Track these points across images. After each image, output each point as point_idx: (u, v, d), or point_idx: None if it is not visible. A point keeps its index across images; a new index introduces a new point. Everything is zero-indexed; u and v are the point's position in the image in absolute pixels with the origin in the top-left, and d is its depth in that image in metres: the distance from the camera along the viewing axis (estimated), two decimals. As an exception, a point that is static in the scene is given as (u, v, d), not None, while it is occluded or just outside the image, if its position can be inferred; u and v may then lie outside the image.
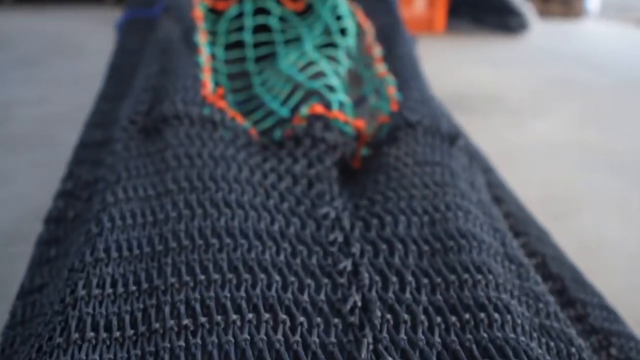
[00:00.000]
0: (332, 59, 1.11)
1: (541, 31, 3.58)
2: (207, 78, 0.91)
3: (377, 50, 1.11)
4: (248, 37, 1.29)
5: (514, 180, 1.15)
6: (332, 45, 1.17)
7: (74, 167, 0.89)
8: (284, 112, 0.94)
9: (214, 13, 1.38)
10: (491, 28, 3.59)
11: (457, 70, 2.46)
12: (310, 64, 1.02)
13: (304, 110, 0.83)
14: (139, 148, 0.73)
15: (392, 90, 0.93)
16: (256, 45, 1.30)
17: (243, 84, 1.21)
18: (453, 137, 0.82)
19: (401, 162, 0.74)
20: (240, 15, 1.36)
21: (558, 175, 1.40)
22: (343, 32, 1.22)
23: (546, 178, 1.39)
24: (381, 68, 1.03)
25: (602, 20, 4.89)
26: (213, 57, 1.21)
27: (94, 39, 2.57)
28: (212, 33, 1.32)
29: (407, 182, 0.68)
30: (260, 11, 1.37)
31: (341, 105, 0.89)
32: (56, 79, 1.94)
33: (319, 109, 0.82)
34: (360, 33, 1.24)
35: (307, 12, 1.41)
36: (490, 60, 2.71)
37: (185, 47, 1.04)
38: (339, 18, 1.25)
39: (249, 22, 1.32)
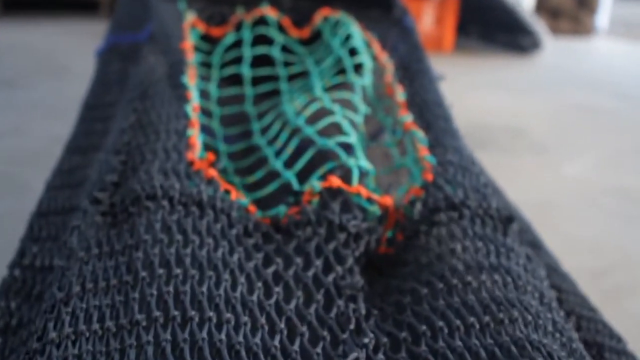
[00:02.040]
0: (346, 103, 0.94)
1: (553, 50, 3.41)
2: (195, 134, 0.74)
3: (400, 93, 0.94)
4: (246, 70, 1.12)
5: (554, 242, 0.98)
6: (346, 85, 0.99)
7: (26, 246, 0.71)
8: (290, 175, 0.77)
9: (208, 41, 1.20)
10: (501, 47, 3.43)
11: (471, 94, 2.29)
12: (322, 112, 0.85)
13: (316, 183, 0.65)
14: (100, 243, 0.55)
15: (423, 151, 0.76)
16: (256, 80, 1.13)
17: (240, 129, 1.03)
18: (507, 220, 0.64)
19: (446, 266, 0.56)
20: (237, 43, 1.19)
21: (602, 234, 1.21)
22: (357, 68, 1.05)
23: (590, 238, 1.20)
24: (407, 117, 0.85)
25: (610, 37, 4.74)
26: (205, 94, 1.04)
27: (84, 55, 2.39)
28: (205, 65, 1.14)
29: (455, 302, 0.51)
30: (261, 40, 1.19)
31: (362, 173, 0.71)
32: (35, 104, 1.76)
33: (335, 181, 0.65)
34: (377, 69, 1.06)
35: (314, 40, 1.24)
36: (505, 84, 2.54)
37: (170, 89, 0.87)
38: (352, 52, 1.07)
39: (247, 52, 1.15)
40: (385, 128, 0.98)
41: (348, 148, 0.77)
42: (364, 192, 0.65)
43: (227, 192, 0.66)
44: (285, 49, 1.20)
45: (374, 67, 1.06)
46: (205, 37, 1.21)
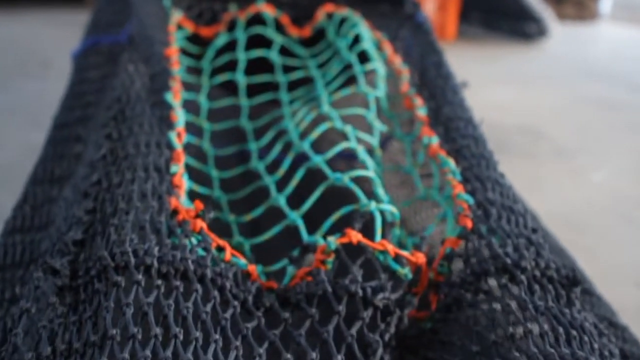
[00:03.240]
0: (359, 121, 0.80)
1: (558, 37, 3.27)
2: (180, 171, 0.60)
3: (420, 107, 0.80)
4: (241, 77, 0.98)
5: (591, 270, 0.86)
6: (357, 97, 0.86)
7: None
8: (296, 217, 0.63)
9: (197, 42, 1.06)
10: (505, 34, 3.28)
11: (478, 88, 2.14)
12: (332, 136, 0.72)
13: (332, 240, 0.52)
14: (54, 339, 0.42)
15: (457, 187, 0.63)
16: (252, 88, 0.99)
17: (235, 148, 0.90)
18: (571, 283, 0.52)
19: (502, 349, 0.44)
20: (230, 45, 1.05)
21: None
22: (367, 74, 0.91)
23: (632, 265, 1.07)
24: (432, 140, 0.72)
25: (614, 22, 4.61)
26: (194, 107, 0.90)
27: (67, 49, 2.24)
28: (194, 71, 1.01)
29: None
30: (257, 40, 1.05)
31: (384, 220, 0.58)
32: (11, 108, 1.62)
33: (355, 236, 0.52)
34: (391, 76, 0.93)
35: (316, 40, 1.10)
36: (513, 75, 2.41)
37: (152, 108, 0.73)
38: (362, 56, 0.94)
39: (242, 55, 1.01)
40: (393, 134, 0.85)
41: (365, 183, 0.64)
42: (390, 248, 0.52)
43: (221, 249, 0.53)
44: (284, 50, 1.06)
45: (387, 73, 0.92)
46: (193, 38, 1.07)
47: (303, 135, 0.75)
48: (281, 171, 0.72)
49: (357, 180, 0.65)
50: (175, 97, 0.74)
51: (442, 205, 0.66)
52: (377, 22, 1.13)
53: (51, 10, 2.93)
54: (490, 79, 2.34)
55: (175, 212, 0.54)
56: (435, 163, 0.70)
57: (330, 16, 1.09)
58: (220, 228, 0.71)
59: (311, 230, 0.63)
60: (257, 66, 1.03)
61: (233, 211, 0.73)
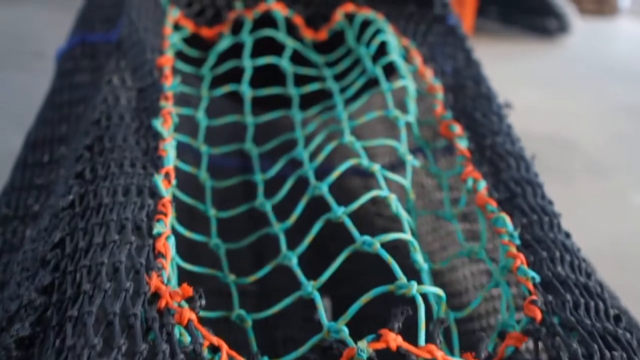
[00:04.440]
0: (389, 156, 0.67)
1: (579, 33, 3.11)
2: (165, 232, 0.47)
3: (460, 138, 0.67)
4: (247, 89, 0.84)
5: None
6: (386, 124, 0.73)
7: None
8: (311, 289, 0.50)
9: (197, 44, 0.93)
10: (524, 30, 3.12)
11: (500, 89, 2.01)
12: (358, 182, 0.59)
13: (363, 345, 0.39)
14: None
15: (518, 258, 0.49)
16: (258, 101, 0.86)
17: (237, 179, 0.77)
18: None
19: None
20: (236, 48, 0.91)
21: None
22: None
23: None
24: (479, 184, 0.59)
25: (634, 17, 4.45)
26: (191, 127, 0.77)
27: (62, 37, 2.10)
28: (193, 78, 0.87)
29: None
30: (266, 45, 0.92)
31: (428, 307, 0.45)
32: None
33: (392, 340, 0.39)
34: (421, 95, 0.79)
35: (333, 45, 0.96)
36: (536, 75, 2.26)
37: (136, 135, 0.60)
38: (390, 70, 0.80)
39: (248, 62, 0.88)
40: (428, 169, 0.72)
41: (400, 252, 0.50)
42: (440, 356, 0.39)
43: (216, 349, 0.40)
44: (296, 56, 0.92)
45: (417, 90, 0.79)
46: (193, 40, 0.93)
47: (321, 175, 0.61)
48: (293, 217, 0.59)
49: (385, 218, 0.52)
50: (166, 123, 0.60)
51: (492, 272, 0.53)
52: (403, 24, 0.99)
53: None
54: (511, 79, 2.20)
55: (155, 296, 0.41)
56: (483, 215, 0.57)
57: (350, 17, 0.96)
58: (216, 287, 0.58)
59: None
60: (265, 75, 0.90)
61: (233, 265, 0.60)
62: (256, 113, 0.83)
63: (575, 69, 2.45)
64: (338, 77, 0.89)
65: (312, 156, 0.66)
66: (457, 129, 0.69)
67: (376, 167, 0.59)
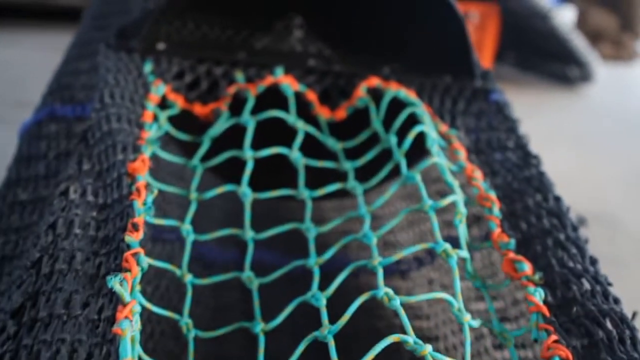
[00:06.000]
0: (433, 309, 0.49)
1: (601, 81, 2.95)
2: None
3: (535, 291, 0.49)
4: (247, 191, 0.66)
5: None
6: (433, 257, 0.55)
7: None
8: None
9: (188, 125, 0.75)
10: (541, 76, 2.97)
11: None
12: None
13: None
14: None
15: None
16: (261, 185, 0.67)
17: (231, 296, 0.59)
18: None
19: None
20: (235, 131, 0.74)
21: None
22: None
23: None
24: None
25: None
26: (175, 244, 0.59)
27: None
28: (179, 179, 0.70)
29: None
30: (271, 126, 0.74)
31: None
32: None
33: None
34: (470, 205, 0.61)
35: (354, 126, 0.79)
36: (563, 132, 2.09)
37: (88, 291, 0.42)
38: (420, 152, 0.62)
39: (248, 152, 0.70)
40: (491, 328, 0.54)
41: None
42: None
43: None
44: (308, 141, 0.74)
45: (466, 202, 0.60)
46: (183, 117, 0.76)
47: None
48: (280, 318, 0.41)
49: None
50: (130, 275, 0.42)
51: None
52: (437, 103, 0.82)
53: (41, 32, 2.63)
54: (536, 136, 2.03)
55: None
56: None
57: (374, 93, 0.78)
58: None
59: None
60: (270, 166, 0.72)
61: None
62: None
63: (602, 124, 2.28)
64: (359, 172, 0.71)
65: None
66: (527, 268, 0.51)
67: (429, 348, 0.41)
